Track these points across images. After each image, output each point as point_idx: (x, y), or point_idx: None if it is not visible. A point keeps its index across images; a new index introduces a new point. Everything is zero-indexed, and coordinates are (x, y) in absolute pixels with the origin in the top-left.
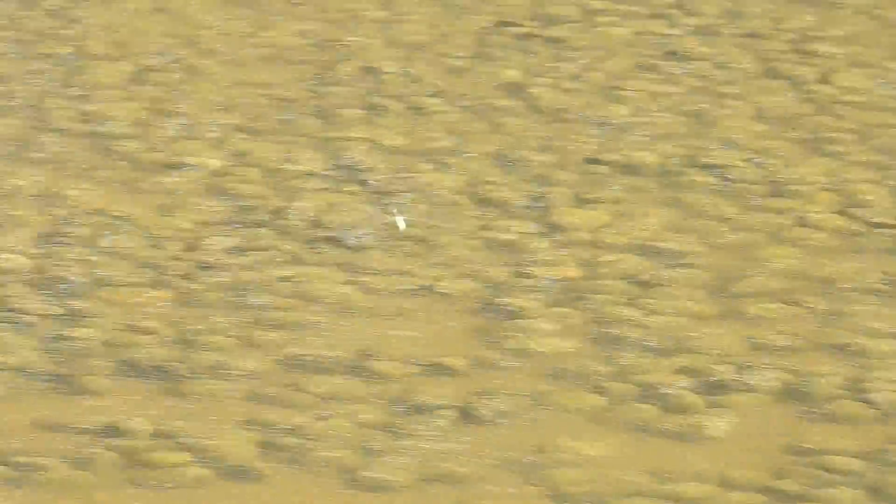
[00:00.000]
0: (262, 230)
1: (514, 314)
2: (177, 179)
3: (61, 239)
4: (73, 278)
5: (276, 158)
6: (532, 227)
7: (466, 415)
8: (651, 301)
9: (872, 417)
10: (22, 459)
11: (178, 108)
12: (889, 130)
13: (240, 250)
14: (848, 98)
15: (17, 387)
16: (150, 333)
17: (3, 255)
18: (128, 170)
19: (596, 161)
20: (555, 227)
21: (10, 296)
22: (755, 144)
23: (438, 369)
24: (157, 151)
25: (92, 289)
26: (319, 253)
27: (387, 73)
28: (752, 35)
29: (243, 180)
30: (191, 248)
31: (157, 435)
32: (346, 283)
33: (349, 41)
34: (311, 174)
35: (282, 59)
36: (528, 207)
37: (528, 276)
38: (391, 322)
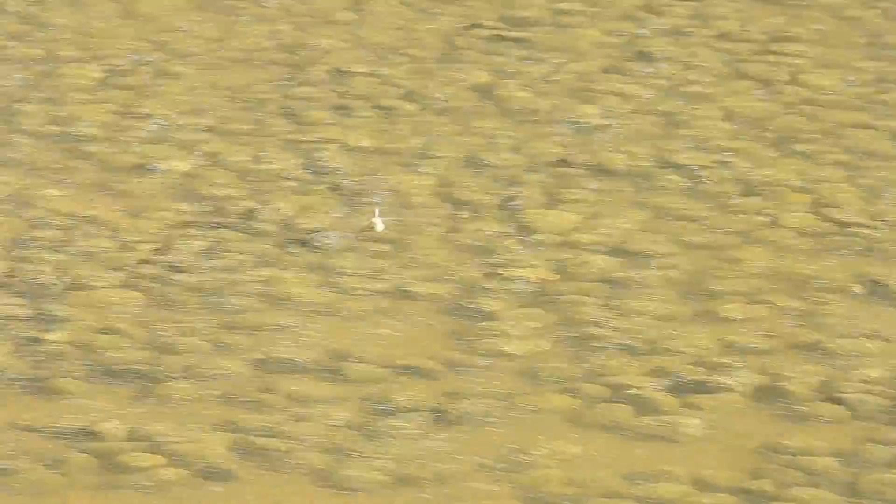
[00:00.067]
0: (234, 232)
1: (486, 316)
2: (148, 181)
3: (33, 242)
4: (45, 281)
5: (247, 160)
6: (504, 228)
7: (440, 416)
8: (624, 302)
9: (846, 417)
10: None
11: (148, 110)
12: (859, 130)
13: (212, 252)
14: (818, 98)
15: None
16: (123, 336)
17: None
18: (99, 172)
19: (567, 162)
20: (526, 229)
21: None
22: (726, 145)
23: (412, 371)
24: (128, 154)
25: (64, 291)
26: (292, 255)
27: (356, 74)
28: (721, 36)
29: (214, 182)
30: (162, 250)
31: (131, 437)
32: (319, 285)
33: (318, 43)
34: (282, 176)
35: (251, 61)
36: (499, 209)
37: (500, 277)
38: (364, 324)
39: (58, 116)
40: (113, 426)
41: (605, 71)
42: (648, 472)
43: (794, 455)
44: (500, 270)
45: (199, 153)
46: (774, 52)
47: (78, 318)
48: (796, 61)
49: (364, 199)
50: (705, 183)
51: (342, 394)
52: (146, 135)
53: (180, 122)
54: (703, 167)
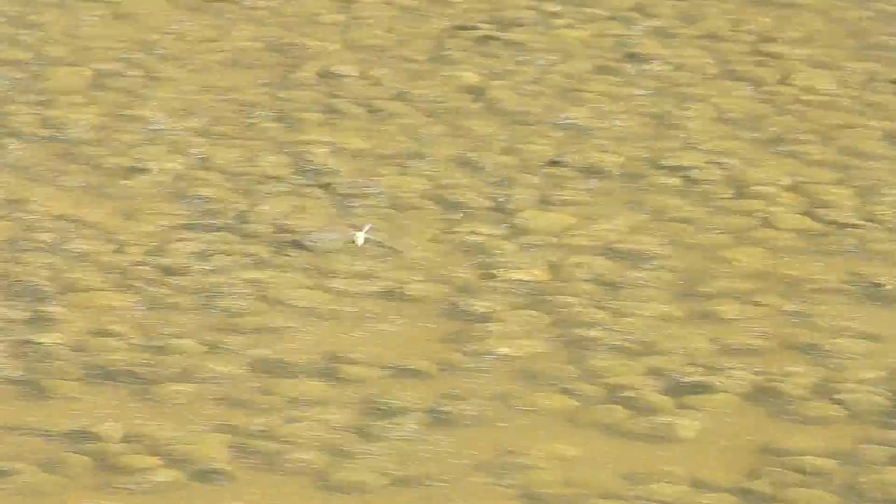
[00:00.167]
0: (227, 234)
1: (481, 317)
2: (140, 183)
3: (26, 244)
4: (39, 283)
5: (239, 162)
6: (497, 229)
7: (436, 417)
8: (618, 303)
9: (842, 418)
10: None
11: (139, 112)
12: (850, 130)
13: (205, 254)
14: (808, 98)
15: None
16: (119, 338)
17: None
18: (91, 175)
19: (559, 163)
20: (520, 230)
21: None
22: (717, 146)
23: (407, 372)
24: (120, 156)
25: (58, 294)
26: (285, 256)
27: (346, 76)
28: (711, 37)
29: (206, 184)
30: (156, 252)
31: (127, 439)
32: (313, 286)
33: (308, 45)
34: (273, 178)
35: (241, 63)
36: (492, 210)
37: (494, 278)
38: (359, 325)
39: (49, 119)
40: (110, 428)
41: (596, 72)
42: (645, 473)
43: (791, 455)
44: (494, 272)
45: (191, 155)
46: (765, 53)
47: (73, 320)
48: (787, 62)
49: (356, 201)
50: (698, 183)
51: (338, 395)
52: (138, 137)
53: (171, 125)
54: (696, 168)
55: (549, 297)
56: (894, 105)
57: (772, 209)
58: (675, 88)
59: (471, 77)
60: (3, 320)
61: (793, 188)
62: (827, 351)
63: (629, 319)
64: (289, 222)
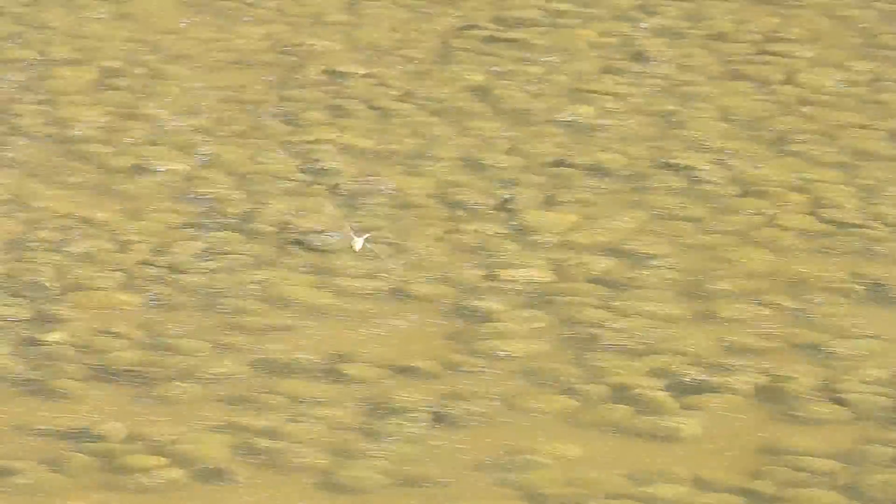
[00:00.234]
0: (232, 233)
1: (484, 316)
2: (145, 183)
3: (31, 243)
4: (44, 282)
5: (244, 161)
6: (501, 229)
7: (439, 417)
8: (622, 303)
9: (845, 418)
10: None
11: (144, 112)
12: (855, 130)
13: (209, 254)
14: (813, 98)
15: None
16: (122, 337)
17: None
18: (96, 173)
19: (563, 163)
20: (524, 230)
21: None
22: (722, 145)
23: (410, 372)
24: (125, 155)
25: (63, 293)
26: (290, 256)
27: (351, 76)
28: (715, 37)
29: (211, 184)
30: (160, 251)
31: (130, 438)
32: (318, 286)
33: (313, 45)
34: (278, 177)
35: (246, 62)
36: (496, 210)
37: (498, 278)
38: (362, 325)
39: (54, 118)
40: (113, 427)
41: (601, 71)
42: (648, 473)
43: (794, 455)
44: (498, 271)
45: (197, 154)
46: (770, 53)
47: (77, 319)
48: (792, 61)
49: (361, 201)
50: (703, 183)
51: (342, 395)
52: (143, 136)
53: (177, 124)
54: (700, 168)
55: (554, 297)
56: None
57: (776, 209)
58: (680, 88)
59: (476, 77)
60: (8, 319)
61: (797, 188)
62: (831, 351)
63: (633, 319)
64: (294, 222)
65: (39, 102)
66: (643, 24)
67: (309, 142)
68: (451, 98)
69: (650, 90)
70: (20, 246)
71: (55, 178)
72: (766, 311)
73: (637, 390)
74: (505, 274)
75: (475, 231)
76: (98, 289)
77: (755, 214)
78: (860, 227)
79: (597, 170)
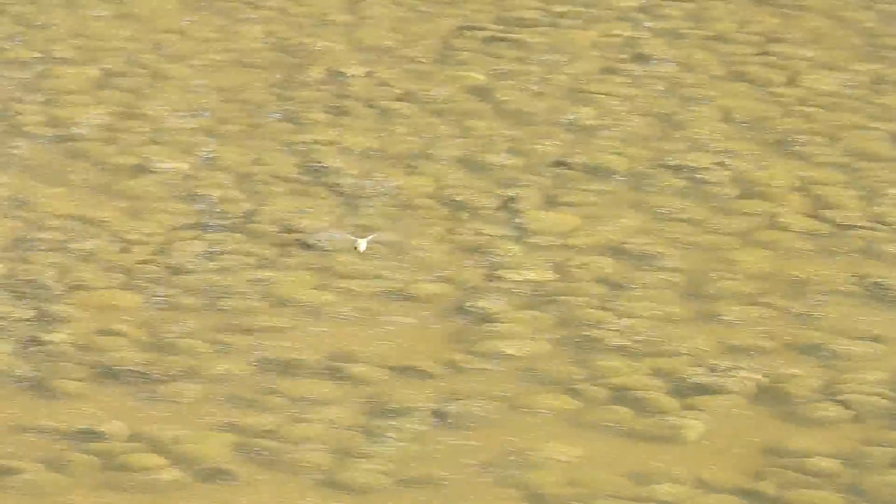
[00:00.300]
0: (234, 233)
1: (486, 317)
2: (146, 183)
3: (33, 243)
4: (45, 282)
5: (245, 162)
6: (502, 230)
7: (441, 418)
8: (623, 304)
9: (847, 419)
10: None
11: (145, 111)
12: (856, 132)
13: (211, 254)
14: (814, 99)
15: None
16: (124, 337)
17: None
18: (97, 173)
19: (564, 164)
20: (525, 230)
21: None
22: (723, 146)
23: (412, 372)
24: (126, 155)
25: (65, 293)
26: (291, 256)
27: (353, 76)
28: (716, 38)
29: (212, 184)
30: (162, 251)
31: (132, 438)
32: (319, 286)
33: (314, 45)
34: (280, 177)
35: (248, 63)
36: (497, 210)
37: (499, 278)
38: (364, 325)
39: (56, 118)
40: (115, 426)
41: (602, 72)
42: (649, 474)
43: (796, 456)
44: (499, 272)
45: (198, 155)
46: (771, 54)
47: (78, 319)
48: (793, 62)
49: (362, 201)
50: (704, 184)
51: (344, 395)
52: (144, 136)
53: (178, 124)
54: (702, 169)
55: (555, 298)
56: None
57: (778, 210)
58: (682, 89)
59: (477, 77)
60: (10, 319)
61: (799, 189)
62: (832, 352)
63: (634, 320)
64: (295, 222)
65: (41, 102)
66: (646, 24)
67: (310, 142)
68: (452, 98)
69: (651, 91)
70: (22, 246)
71: (56, 179)
72: (768, 313)
73: (638, 391)
74: (506, 274)
75: (476, 232)
76: (100, 289)
77: (756, 215)
78: (861, 227)
79: (598, 170)
